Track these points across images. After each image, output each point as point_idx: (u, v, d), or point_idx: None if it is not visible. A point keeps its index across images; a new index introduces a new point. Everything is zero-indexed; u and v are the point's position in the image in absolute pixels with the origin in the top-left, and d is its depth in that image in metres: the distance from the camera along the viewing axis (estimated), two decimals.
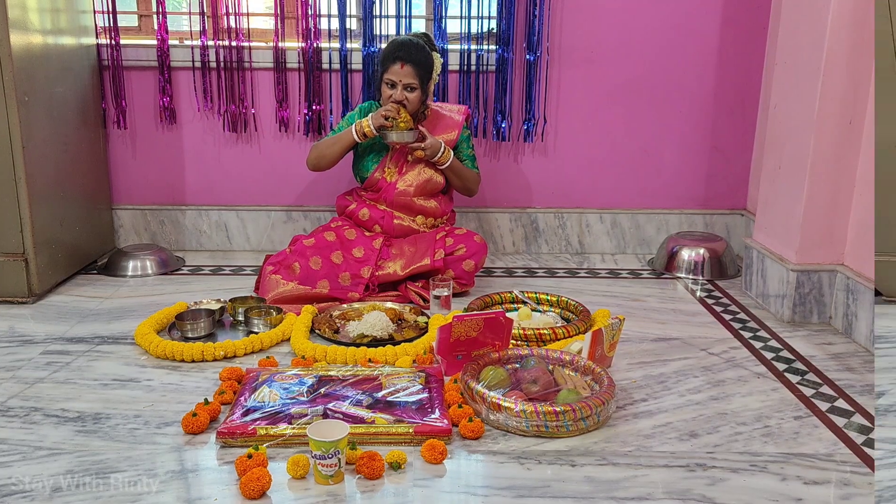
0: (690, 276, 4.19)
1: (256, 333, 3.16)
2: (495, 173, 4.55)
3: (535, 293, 3.64)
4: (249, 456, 2.17)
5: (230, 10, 4.24)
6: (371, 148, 3.96)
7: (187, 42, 4.34)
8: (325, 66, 4.35)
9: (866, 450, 2.39)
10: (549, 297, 3.59)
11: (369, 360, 2.92)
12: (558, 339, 3.15)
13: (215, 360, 2.99)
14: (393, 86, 3.78)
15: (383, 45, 4.01)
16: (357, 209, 3.97)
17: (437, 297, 3.55)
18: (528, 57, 4.33)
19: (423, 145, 3.78)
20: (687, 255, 4.22)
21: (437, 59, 3.90)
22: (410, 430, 2.36)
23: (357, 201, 4.01)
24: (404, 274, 3.71)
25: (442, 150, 3.83)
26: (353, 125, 3.82)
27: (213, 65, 4.33)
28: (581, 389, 2.61)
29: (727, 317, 3.59)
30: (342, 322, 3.36)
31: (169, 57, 4.29)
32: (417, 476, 2.21)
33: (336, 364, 2.93)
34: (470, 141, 4.07)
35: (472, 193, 4.09)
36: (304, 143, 4.48)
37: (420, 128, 3.81)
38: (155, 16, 4.26)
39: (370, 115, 3.81)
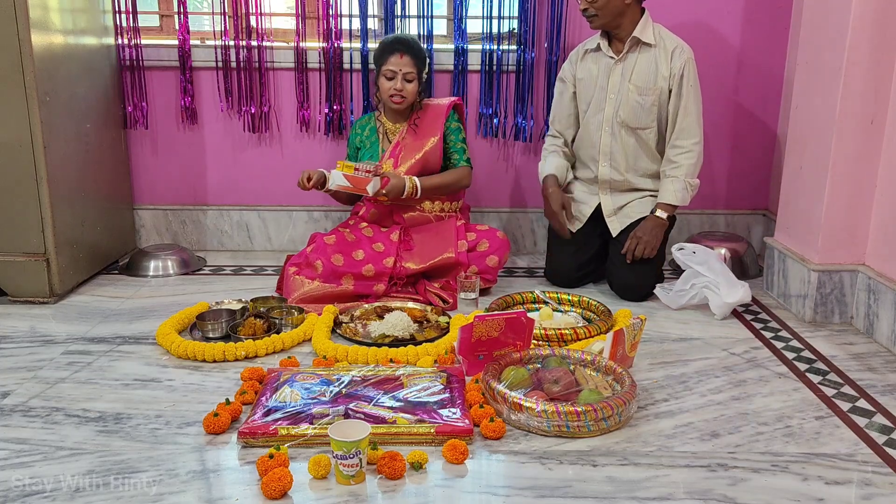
0: None
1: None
2: (516, 174, 4.56)
3: (557, 293, 3.64)
4: (271, 456, 2.18)
5: (251, 10, 4.26)
6: (367, 147, 4.01)
7: (209, 42, 4.35)
8: (346, 66, 4.36)
9: (888, 450, 2.39)
10: (570, 297, 3.59)
11: (391, 361, 2.93)
12: (580, 340, 3.16)
13: (236, 360, 3.00)
14: (392, 77, 3.82)
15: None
16: (366, 211, 3.98)
17: (464, 299, 3.57)
18: (550, 57, 4.33)
19: (383, 190, 3.73)
20: None
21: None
22: (432, 431, 2.37)
23: (365, 203, 4.01)
24: (428, 266, 3.71)
25: (406, 188, 3.80)
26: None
27: (235, 65, 4.35)
28: (602, 389, 2.61)
29: (748, 317, 3.58)
30: (363, 322, 3.37)
31: (190, 57, 4.30)
32: (439, 476, 2.21)
33: (357, 364, 2.94)
34: (461, 133, 4.02)
35: (464, 189, 4.07)
36: (325, 142, 4.49)
37: (378, 174, 3.76)
38: (176, 16, 4.28)
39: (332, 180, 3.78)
